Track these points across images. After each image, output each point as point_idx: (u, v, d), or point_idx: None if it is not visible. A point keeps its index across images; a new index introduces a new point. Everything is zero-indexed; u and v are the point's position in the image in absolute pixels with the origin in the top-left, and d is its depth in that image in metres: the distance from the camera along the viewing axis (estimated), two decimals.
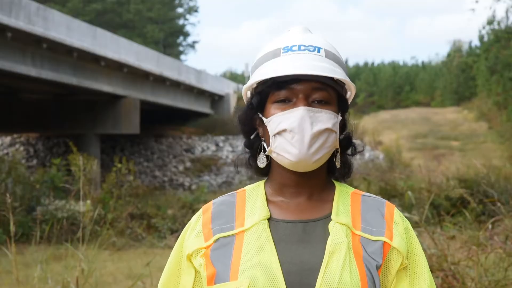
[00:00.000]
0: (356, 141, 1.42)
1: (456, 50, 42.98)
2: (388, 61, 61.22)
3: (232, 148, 25.51)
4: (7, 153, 23.26)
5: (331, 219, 1.29)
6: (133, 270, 7.74)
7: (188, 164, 25.01)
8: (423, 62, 53.98)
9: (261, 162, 1.35)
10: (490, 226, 5.16)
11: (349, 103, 1.39)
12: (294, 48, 1.30)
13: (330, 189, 1.36)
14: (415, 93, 45.66)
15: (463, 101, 37.19)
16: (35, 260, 4.69)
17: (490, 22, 25.78)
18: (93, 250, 4.61)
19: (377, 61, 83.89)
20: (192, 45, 48.55)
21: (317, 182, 1.34)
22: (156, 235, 11.04)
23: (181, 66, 25.61)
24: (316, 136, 1.26)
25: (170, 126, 27.17)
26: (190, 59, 52.61)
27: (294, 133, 1.26)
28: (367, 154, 24.84)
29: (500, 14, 42.38)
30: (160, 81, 22.76)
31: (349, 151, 1.40)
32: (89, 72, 18.24)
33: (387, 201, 1.36)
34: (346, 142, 1.38)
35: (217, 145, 25.96)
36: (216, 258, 1.28)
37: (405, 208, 8.67)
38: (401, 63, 55.04)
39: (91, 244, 4.94)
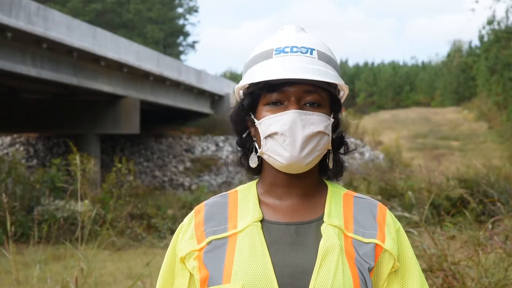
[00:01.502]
0: (350, 140, 1.41)
1: (456, 50, 43.03)
2: (388, 61, 61.31)
3: (232, 148, 25.40)
4: (7, 153, 23.26)
5: (323, 221, 1.29)
6: (133, 270, 7.74)
7: (188, 164, 25.00)
8: (423, 62, 54.10)
9: (253, 162, 1.34)
10: (490, 226, 5.15)
11: (341, 102, 1.38)
12: (286, 49, 1.29)
13: (322, 190, 1.36)
14: (415, 93, 45.75)
15: (463, 101, 37.25)
16: (34, 260, 4.68)
17: (490, 22, 25.81)
18: (92, 250, 4.60)
19: (377, 61, 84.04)
20: (192, 45, 48.56)
21: (309, 182, 1.33)
22: (156, 235, 11.03)
23: (181, 66, 25.59)
24: (308, 139, 1.25)
25: (170, 126, 27.16)
26: (190, 59, 52.71)
27: (285, 136, 1.25)
28: (367, 154, 24.83)
29: (500, 14, 42.39)
30: (160, 81, 22.76)
31: (341, 150, 1.39)
32: (89, 72, 18.23)
33: (379, 203, 1.36)
34: (338, 142, 1.37)
35: (217, 145, 25.96)
36: (209, 261, 1.27)
37: (405, 208, 8.65)
38: (401, 63, 55.17)
39: (90, 244, 4.93)
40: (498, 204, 5.78)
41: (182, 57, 47.66)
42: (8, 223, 3.91)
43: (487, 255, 4.15)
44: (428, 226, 5.33)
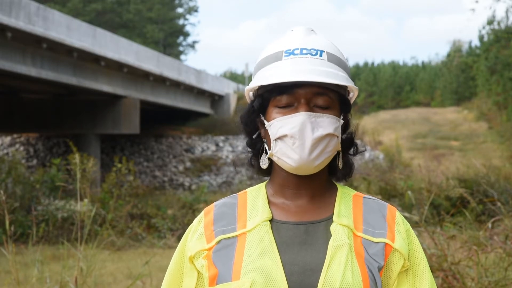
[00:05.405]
0: (357, 142, 1.42)
1: (456, 50, 43.03)
2: (388, 61, 61.19)
3: (232, 148, 25.49)
4: (7, 153, 23.25)
5: (332, 221, 1.30)
6: (133, 270, 7.73)
7: (188, 164, 25.00)
8: (423, 62, 54.07)
9: (264, 163, 1.35)
10: (490, 226, 5.15)
11: (351, 103, 1.38)
12: (296, 52, 1.30)
13: (331, 191, 1.36)
14: (415, 93, 45.72)
15: (463, 101, 37.21)
16: (33, 260, 4.68)
17: (490, 22, 25.83)
18: (92, 249, 4.59)
19: (377, 61, 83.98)
20: (192, 45, 48.52)
21: (318, 183, 1.34)
22: (156, 235, 11.03)
23: (181, 66, 25.58)
24: (317, 141, 1.26)
25: (170, 126, 27.16)
26: (190, 59, 52.60)
27: (295, 138, 1.26)
28: (367, 154, 24.82)
29: (500, 14, 42.35)
30: (160, 81, 22.75)
31: (350, 151, 1.40)
32: (89, 72, 18.23)
33: (389, 204, 1.37)
34: (348, 143, 1.38)
35: (217, 145, 25.95)
36: (218, 259, 1.28)
37: (405, 208, 8.65)
38: (401, 63, 55.11)
39: (90, 244, 4.93)
40: (498, 204, 5.78)
41: (182, 57, 47.65)
42: (7, 222, 3.89)
43: (487, 255, 4.15)
44: (428, 226, 5.33)
